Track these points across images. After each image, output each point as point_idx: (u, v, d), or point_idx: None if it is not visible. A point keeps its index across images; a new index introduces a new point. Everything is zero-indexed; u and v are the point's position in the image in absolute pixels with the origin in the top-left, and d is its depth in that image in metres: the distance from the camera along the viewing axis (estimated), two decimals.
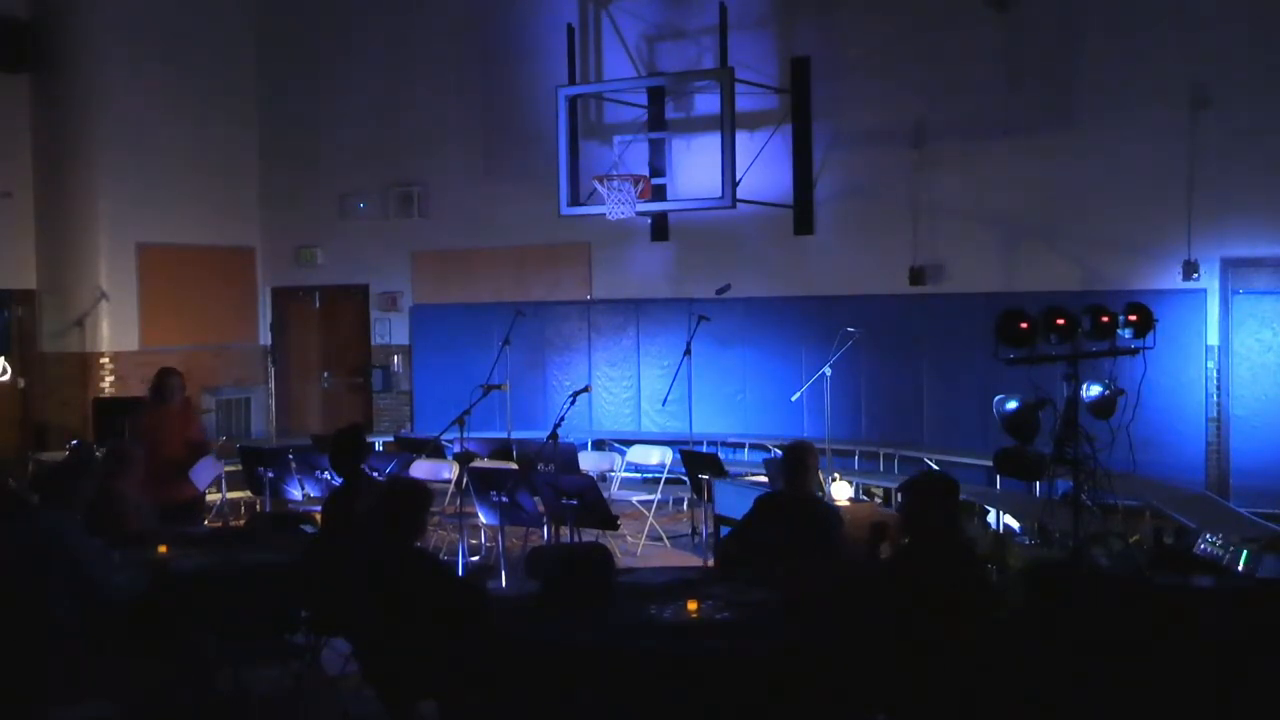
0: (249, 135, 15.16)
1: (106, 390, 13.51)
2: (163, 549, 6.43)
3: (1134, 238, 10.79)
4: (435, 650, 5.14)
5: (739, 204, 11.51)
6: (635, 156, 12.59)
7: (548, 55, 13.20)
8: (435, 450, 10.26)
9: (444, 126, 14.17)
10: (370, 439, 7.27)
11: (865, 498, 10.43)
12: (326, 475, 8.75)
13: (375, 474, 7.52)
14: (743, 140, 11.78)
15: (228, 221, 14.92)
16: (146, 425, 8.88)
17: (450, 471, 10.30)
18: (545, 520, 8.64)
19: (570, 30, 12.83)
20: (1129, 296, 7.26)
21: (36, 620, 5.63)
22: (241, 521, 10.82)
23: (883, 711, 5.05)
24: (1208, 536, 5.71)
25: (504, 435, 11.46)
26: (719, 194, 11.48)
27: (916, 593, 4.92)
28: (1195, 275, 10.44)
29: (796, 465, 6.32)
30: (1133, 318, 6.51)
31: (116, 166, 13.73)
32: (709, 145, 11.96)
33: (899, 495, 5.46)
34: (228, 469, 11.29)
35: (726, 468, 10.00)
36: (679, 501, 11.28)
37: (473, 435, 10.19)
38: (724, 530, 8.29)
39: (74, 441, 11.13)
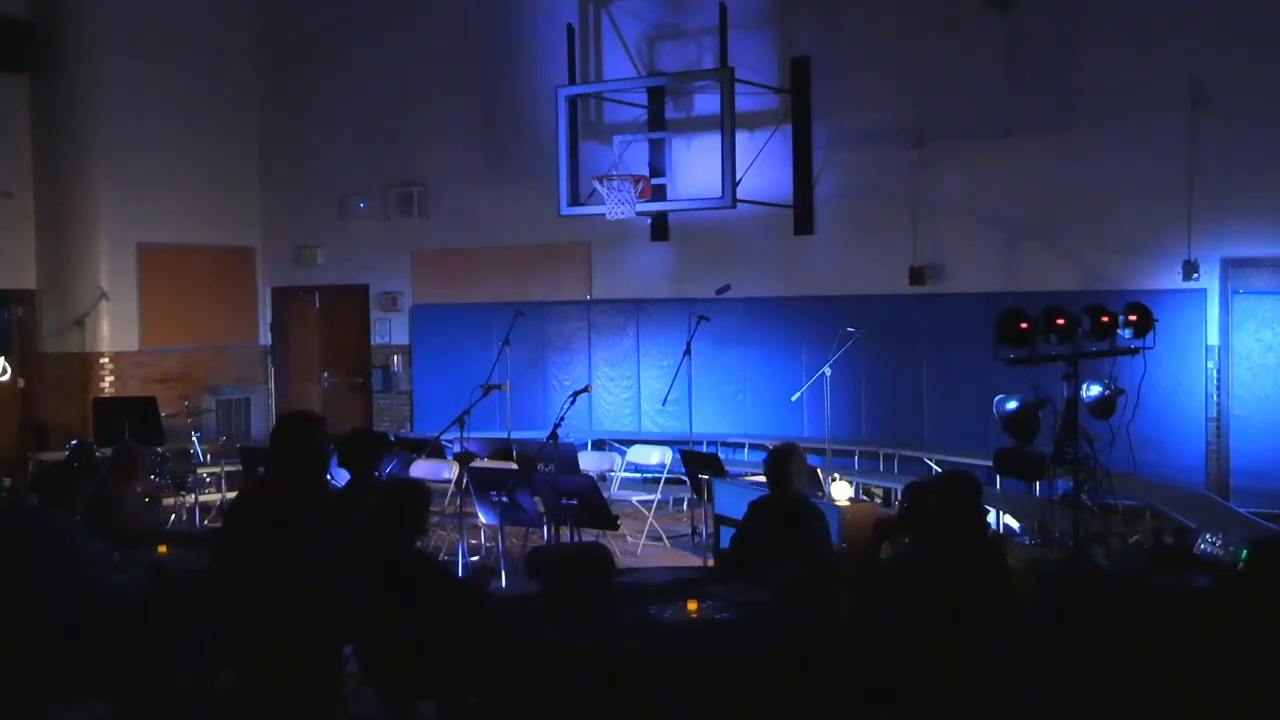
0: (249, 135, 15.16)
1: (106, 390, 13.51)
2: (163, 549, 6.44)
3: (1134, 238, 10.78)
4: (435, 650, 5.14)
5: (739, 204, 11.50)
6: (635, 156, 12.57)
7: (548, 55, 13.20)
8: (435, 450, 10.27)
9: (444, 126, 14.17)
10: None
11: (865, 498, 10.44)
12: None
13: (375, 474, 7.49)
14: (743, 140, 11.78)
15: (228, 221, 14.92)
16: None
17: (450, 471, 10.30)
18: (545, 520, 8.63)
19: (570, 30, 12.82)
20: (1129, 296, 7.27)
21: (36, 620, 5.63)
22: None
23: (884, 711, 5.05)
24: (1208, 536, 5.71)
25: (504, 435, 11.46)
26: (719, 194, 11.47)
27: (948, 593, 4.85)
28: (1195, 275, 10.43)
29: (779, 469, 6.43)
30: (1133, 318, 6.53)
31: (116, 166, 13.73)
32: (709, 145, 11.95)
33: (935, 493, 5.27)
34: (227, 469, 11.32)
35: (726, 468, 10.00)
36: (679, 501, 11.26)
37: (473, 435, 10.20)
38: (724, 530, 8.30)
39: (74, 441, 11.11)
